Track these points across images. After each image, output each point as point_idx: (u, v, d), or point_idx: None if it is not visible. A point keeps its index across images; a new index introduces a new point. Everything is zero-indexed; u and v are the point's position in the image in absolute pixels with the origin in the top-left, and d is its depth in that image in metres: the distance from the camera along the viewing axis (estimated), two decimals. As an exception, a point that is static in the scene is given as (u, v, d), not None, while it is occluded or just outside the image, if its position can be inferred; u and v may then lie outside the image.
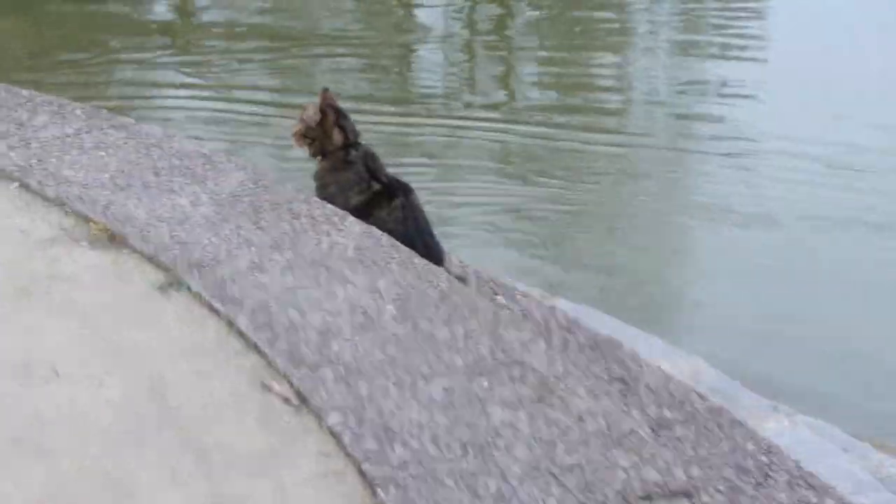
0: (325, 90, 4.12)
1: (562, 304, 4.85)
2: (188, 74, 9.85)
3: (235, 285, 3.38)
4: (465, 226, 6.87)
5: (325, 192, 4.01)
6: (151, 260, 3.55)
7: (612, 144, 8.31)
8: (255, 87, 9.52)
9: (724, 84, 9.60)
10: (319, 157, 4.09)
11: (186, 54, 10.40)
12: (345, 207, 3.92)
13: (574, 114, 9.09)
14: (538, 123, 8.73)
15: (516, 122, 8.84)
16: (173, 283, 3.44)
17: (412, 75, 10.61)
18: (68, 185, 3.98)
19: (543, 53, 10.90)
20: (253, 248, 3.57)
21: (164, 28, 11.17)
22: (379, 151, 4.14)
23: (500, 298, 4.09)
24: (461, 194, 7.39)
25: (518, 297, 4.11)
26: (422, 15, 12.23)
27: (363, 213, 3.91)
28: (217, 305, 3.30)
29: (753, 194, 7.31)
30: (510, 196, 7.44)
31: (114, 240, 3.68)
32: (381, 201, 3.96)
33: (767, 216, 7.00)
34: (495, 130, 8.58)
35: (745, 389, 4.36)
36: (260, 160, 7.45)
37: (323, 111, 4.02)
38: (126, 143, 4.33)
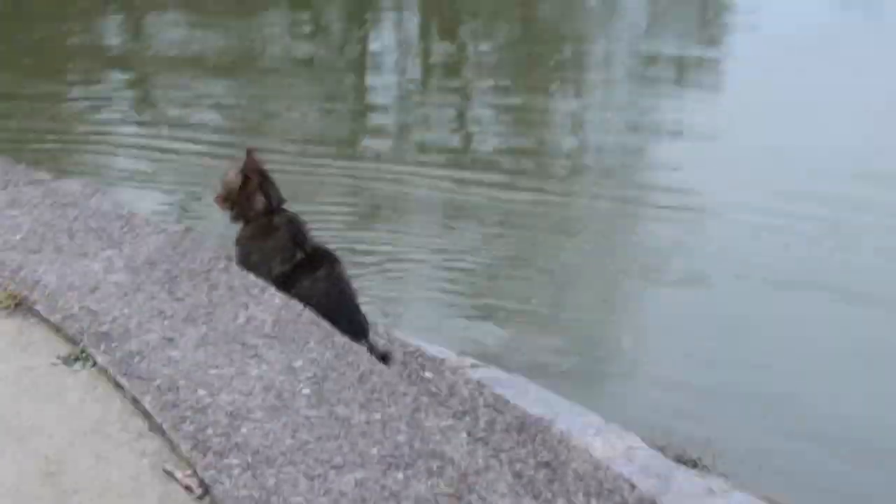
0: (251, 151, 3.94)
1: (493, 373, 4.72)
2: (139, 109, 9.81)
3: (144, 361, 3.21)
4: (399, 280, 6.74)
5: (247, 259, 3.82)
6: (59, 330, 3.38)
7: (555, 195, 8.21)
8: (205, 126, 9.47)
9: (677, 133, 9.57)
10: (241, 222, 3.90)
11: (139, 88, 10.38)
12: (267, 276, 3.75)
13: (522, 159, 9.01)
14: (483, 169, 8.64)
15: (462, 168, 8.74)
16: (80, 356, 3.27)
17: (363, 117, 10.53)
18: (-24, 246, 3.80)
19: (496, 95, 10.91)
20: (166, 321, 3.40)
21: (119, 60, 11.13)
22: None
23: (427, 374, 3.94)
24: (399, 244, 7.25)
25: (446, 372, 3.96)
26: (376, 53, 12.25)
27: (286, 283, 3.73)
28: (123, 382, 3.13)
29: (690, 251, 7.23)
30: (446, 248, 7.31)
31: (20, 307, 3.50)
32: (305, 271, 3.77)
33: (703, 274, 6.91)
34: (442, 178, 8.43)
35: (680, 467, 4.23)
36: (200, 202, 7.39)
37: (245, 175, 3.84)
38: (42, 202, 4.17)
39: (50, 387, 3.16)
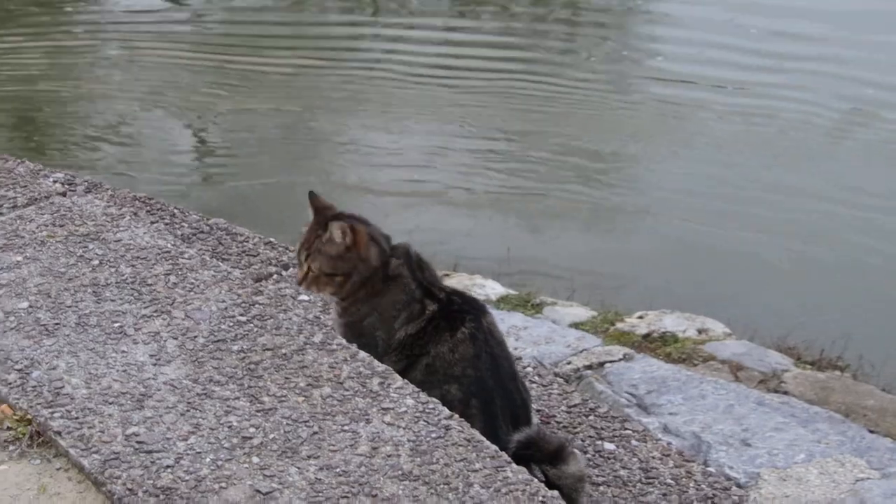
0: (315, 195, 2.73)
1: (657, 371, 3.68)
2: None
3: (234, 544, 2.11)
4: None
5: (358, 326, 2.65)
6: (100, 484, 2.27)
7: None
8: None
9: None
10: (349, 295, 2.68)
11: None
12: (387, 343, 2.62)
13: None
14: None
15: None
16: (134, 533, 2.17)
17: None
18: (-35, 327, 2.68)
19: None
20: (255, 457, 2.29)
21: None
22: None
23: (606, 444, 2.85)
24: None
25: (633, 440, 2.86)
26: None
27: (415, 349, 2.59)
28: (207, 588, 2.04)
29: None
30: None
31: (39, 439, 2.40)
32: (441, 330, 2.58)
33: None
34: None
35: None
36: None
37: (353, 229, 2.62)
38: (50, 232, 3.01)
39: None
